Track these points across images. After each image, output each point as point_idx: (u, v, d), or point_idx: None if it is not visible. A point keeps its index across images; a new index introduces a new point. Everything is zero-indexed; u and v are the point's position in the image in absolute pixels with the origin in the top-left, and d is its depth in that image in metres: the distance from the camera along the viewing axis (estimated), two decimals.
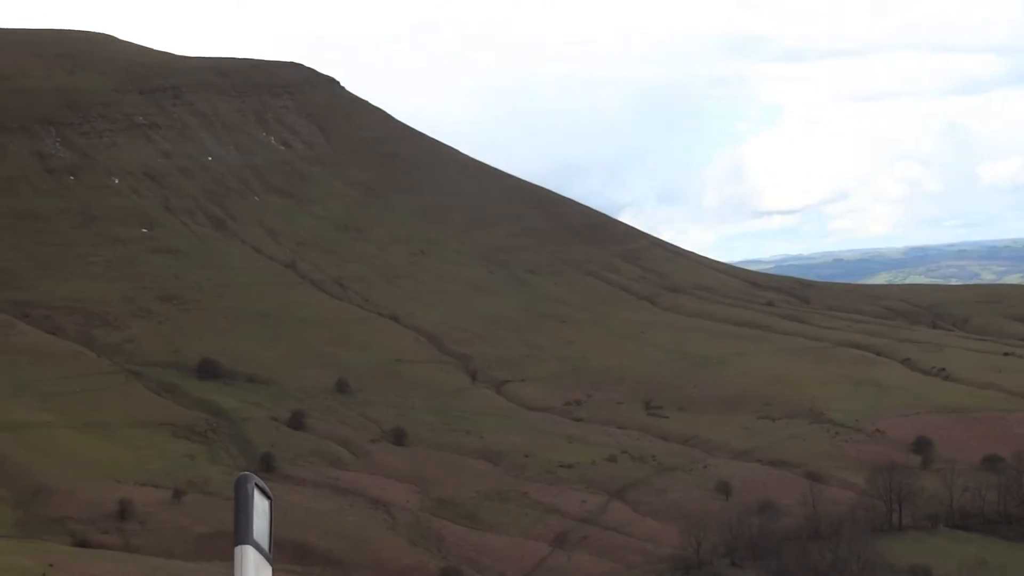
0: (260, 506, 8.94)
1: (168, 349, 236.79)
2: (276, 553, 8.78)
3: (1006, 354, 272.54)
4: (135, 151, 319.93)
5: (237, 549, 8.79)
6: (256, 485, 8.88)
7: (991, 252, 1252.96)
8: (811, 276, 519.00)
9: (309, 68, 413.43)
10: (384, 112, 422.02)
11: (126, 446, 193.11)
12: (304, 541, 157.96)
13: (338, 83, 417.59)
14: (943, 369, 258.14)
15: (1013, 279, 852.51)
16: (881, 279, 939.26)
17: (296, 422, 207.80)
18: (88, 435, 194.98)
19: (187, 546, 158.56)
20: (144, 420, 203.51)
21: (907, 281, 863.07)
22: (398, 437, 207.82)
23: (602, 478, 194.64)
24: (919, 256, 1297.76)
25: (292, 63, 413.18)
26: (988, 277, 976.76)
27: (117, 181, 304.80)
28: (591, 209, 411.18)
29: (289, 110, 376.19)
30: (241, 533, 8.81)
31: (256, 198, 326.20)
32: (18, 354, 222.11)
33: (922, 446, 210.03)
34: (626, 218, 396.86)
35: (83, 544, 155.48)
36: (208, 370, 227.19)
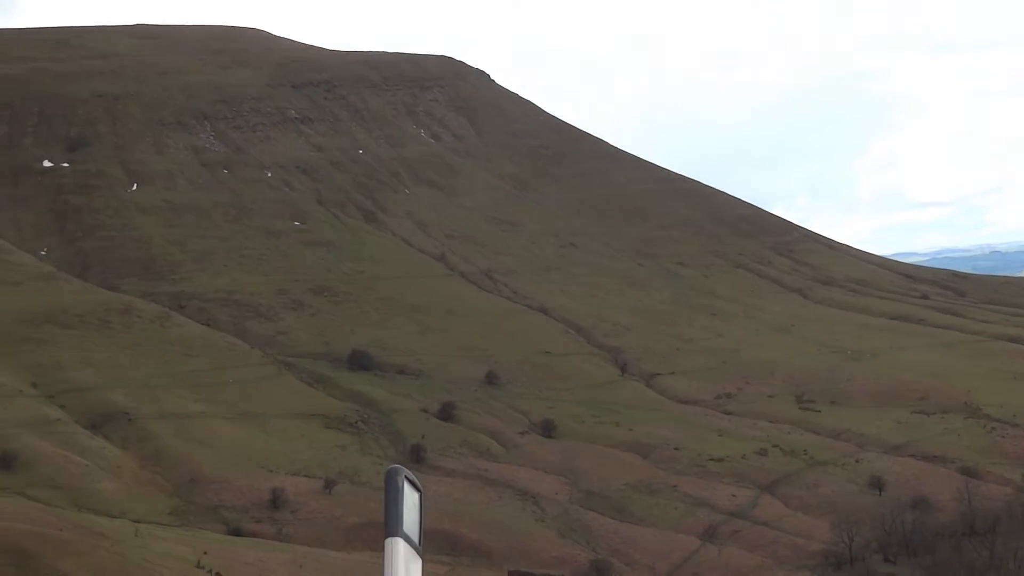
0: (410, 499, 9.05)
1: (319, 341, 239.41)
2: (425, 544, 8.44)
3: None
4: (288, 145, 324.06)
5: (388, 541, 8.97)
6: (406, 478, 9.03)
7: None
8: (967, 268, 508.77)
9: (459, 61, 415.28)
10: (534, 105, 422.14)
11: (278, 436, 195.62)
12: (454, 532, 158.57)
13: (488, 76, 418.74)
14: None
15: None
16: None
17: (446, 413, 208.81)
18: (241, 425, 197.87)
19: (338, 536, 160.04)
20: (296, 411, 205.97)
21: None
22: (547, 429, 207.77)
23: (752, 472, 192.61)
24: None
25: (442, 56, 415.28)
26: None
27: (270, 174, 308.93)
28: (742, 201, 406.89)
29: (439, 103, 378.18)
30: (392, 525, 8.93)
31: (406, 191, 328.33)
32: (175, 345, 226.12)
33: None
34: (778, 212, 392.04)
35: (236, 532, 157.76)
36: (359, 361, 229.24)
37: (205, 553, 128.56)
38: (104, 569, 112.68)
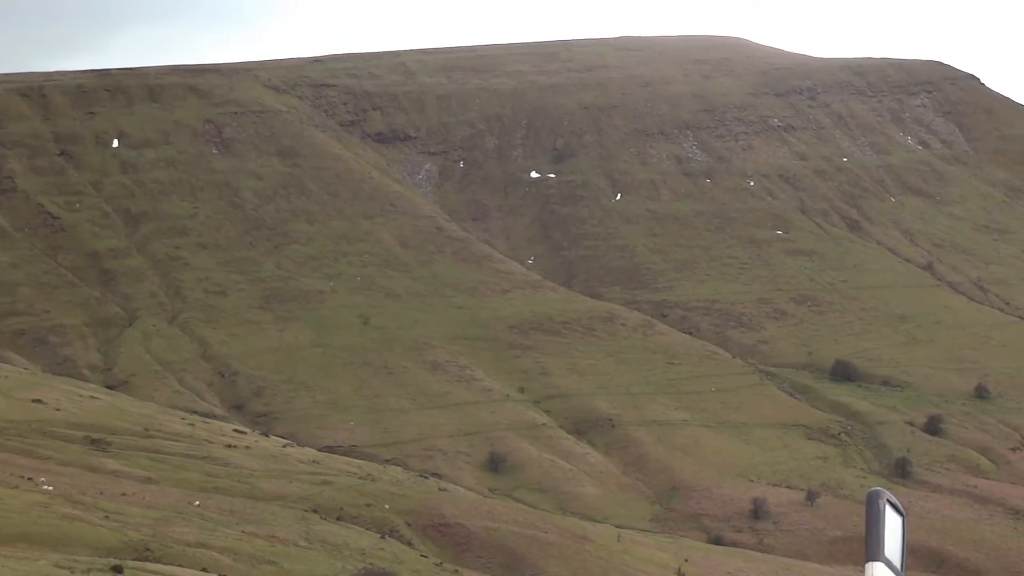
0: (892, 523, 8.71)
1: (802, 351, 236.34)
2: (910, 558, 7.08)
3: None
4: (770, 153, 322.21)
5: (868, 565, 8.62)
6: (888, 501, 8.75)
7: None
8: None
9: (948, 65, 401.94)
10: None
11: (759, 446, 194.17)
12: (940, 549, 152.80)
13: (978, 80, 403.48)
14: None
15: None
16: None
17: (933, 427, 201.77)
18: (722, 434, 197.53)
19: (819, 548, 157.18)
20: (777, 421, 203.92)
21: None
22: None
23: None
24: None
25: (930, 61, 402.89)
26: None
27: (752, 184, 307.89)
28: None
29: (927, 109, 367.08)
30: (872, 549, 8.43)
31: (892, 199, 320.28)
32: (657, 353, 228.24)
33: None
34: None
35: (717, 541, 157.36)
36: (842, 372, 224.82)
37: (686, 560, 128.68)
38: (588, 573, 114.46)
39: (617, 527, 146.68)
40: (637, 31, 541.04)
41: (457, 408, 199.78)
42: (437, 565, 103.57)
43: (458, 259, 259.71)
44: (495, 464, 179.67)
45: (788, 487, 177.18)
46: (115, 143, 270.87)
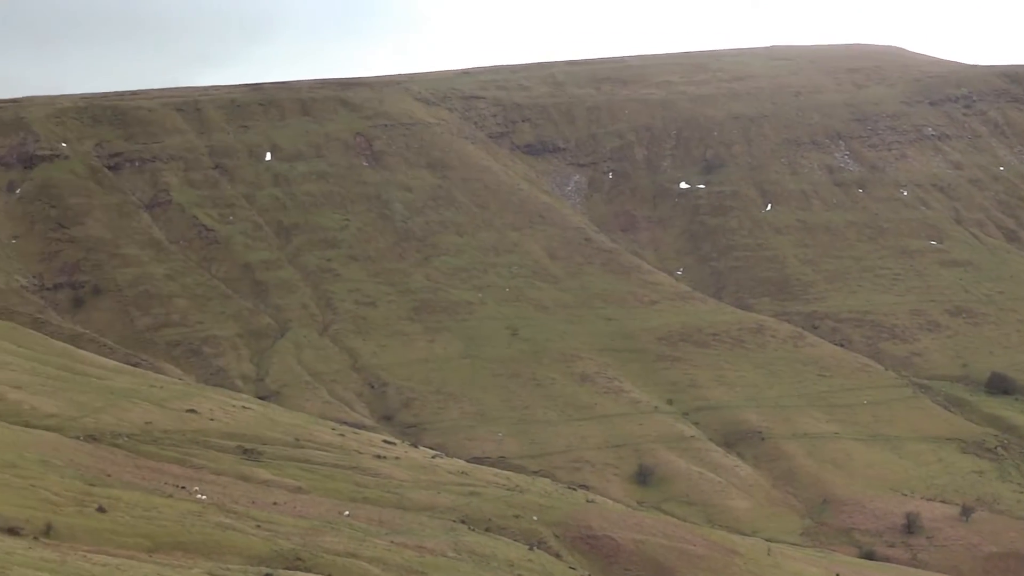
0: None
1: (956, 363, 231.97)
2: None
3: None
4: (924, 163, 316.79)
5: None
6: None
7: None
8: None
9: None
10: None
11: (912, 460, 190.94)
12: None
13: None
14: None
15: None
16: None
17: None
18: (874, 447, 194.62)
19: (975, 564, 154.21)
20: (931, 434, 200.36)
21: None
22: None
23: None
24: None
25: None
26: None
27: (905, 193, 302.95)
28: None
29: None
30: None
31: None
32: (807, 365, 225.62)
33: None
34: None
35: (869, 556, 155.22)
36: (998, 385, 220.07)
37: (837, 575, 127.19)
38: None
39: (767, 541, 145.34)
40: (787, 40, 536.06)
41: (605, 420, 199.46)
42: None
43: (607, 270, 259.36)
44: (643, 476, 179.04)
45: (942, 502, 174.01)
46: (268, 156, 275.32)
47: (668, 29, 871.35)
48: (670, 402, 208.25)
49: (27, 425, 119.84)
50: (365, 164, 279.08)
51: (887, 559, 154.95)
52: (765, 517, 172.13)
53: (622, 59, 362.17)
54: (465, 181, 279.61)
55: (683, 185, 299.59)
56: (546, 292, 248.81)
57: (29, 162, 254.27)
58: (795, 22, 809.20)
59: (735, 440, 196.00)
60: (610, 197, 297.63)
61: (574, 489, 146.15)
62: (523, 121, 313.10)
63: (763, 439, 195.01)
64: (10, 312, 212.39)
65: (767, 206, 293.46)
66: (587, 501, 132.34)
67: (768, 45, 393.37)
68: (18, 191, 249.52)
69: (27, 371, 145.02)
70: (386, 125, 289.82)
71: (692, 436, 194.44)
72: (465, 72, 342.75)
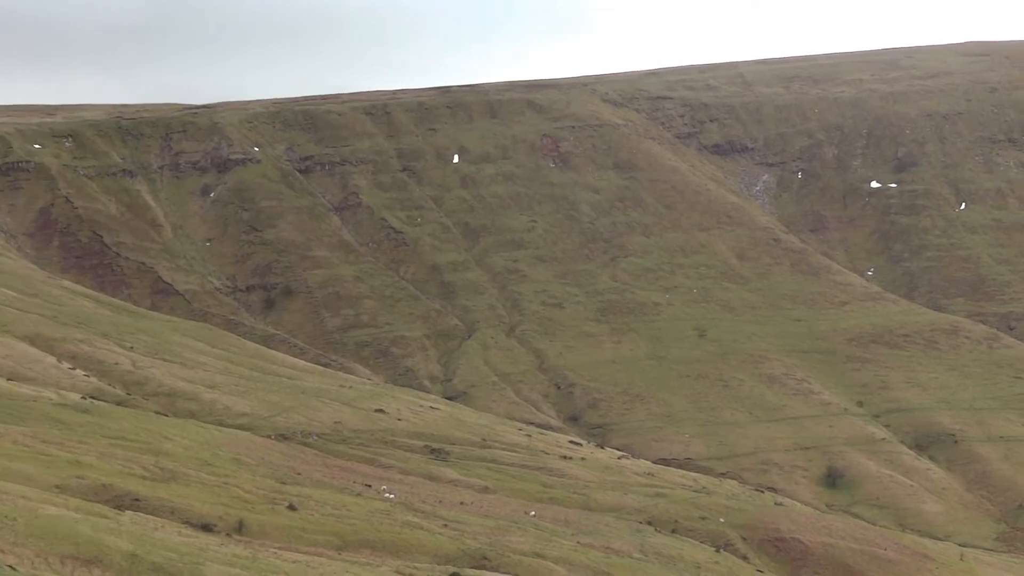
0: None
1: None
2: None
3: None
4: None
5: None
6: None
7: None
8: None
9: None
10: None
11: None
12: None
13: None
14: None
15: None
16: None
17: None
18: None
19: None
20: None
21: None
22: None
23: None
24: None
25: None
26: None
27: None
28: None
29: None
30: None
31: None
32: (1003, 367, 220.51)
33: None
34: None
35: None
36: None
37: None
38: None
39: (960, 545, 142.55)
40: (982, 35, 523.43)
41: (794, 422, 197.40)
42: None
43: (796, 271, 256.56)
44: (833, 479, 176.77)
45: None
46: (455, 158, 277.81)
47: (858, 26, 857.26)
48: (860, 404, 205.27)
49: (221, 424, 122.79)
50: (552, 165, 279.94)
51: None
52: (958, 521, 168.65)
53: (812, 57, 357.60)
54: (652, 182, 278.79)
55: (874, 184, 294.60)
56: (734, 293, 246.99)
57: (223, 166, 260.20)
58: (990, 17, 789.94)
59: (927, 443, 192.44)
60: (799, 197, 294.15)
61: (762, 491, 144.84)
62: (711, 121, 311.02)
63: (956, 442, 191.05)
64: (204, 313, 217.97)
65: (961, 205, 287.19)
66: (775, 504, 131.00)
67: (963, 41, 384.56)
68: (212, 195, 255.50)
69: (221, 371, 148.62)
70: (573, 126, 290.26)
71: (883, 438, 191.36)
72: (652, 72, 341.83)
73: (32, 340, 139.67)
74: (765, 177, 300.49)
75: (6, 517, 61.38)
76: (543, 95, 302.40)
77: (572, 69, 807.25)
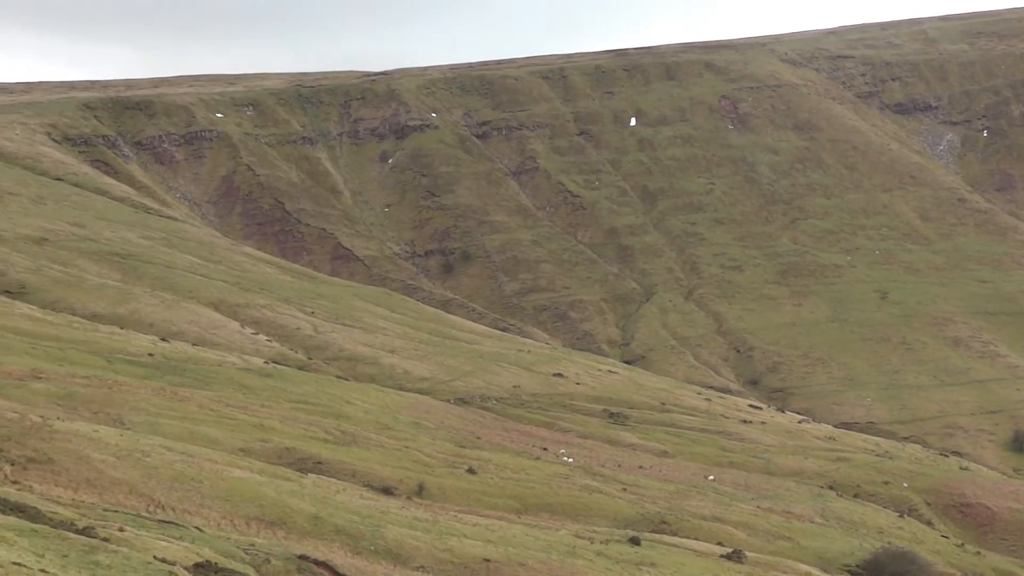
0: None
1: None
2: None
3: None
4: None
5: None
6: None
7: None
8: None
9: None
10: None
11: None
12: None
13: None
14: None
15: None
16: None
17: None
18: None
19: None
20: None
21: None
22: None
23: None
24: None
25: None
26: None
27: None
28: None
29: None
30: None
31: None
32: None
33: None
34: None
35: None
36: None
37: None
38: None
39: None
40: None
41: (979, 385, 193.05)
42: (958, 546, 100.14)
43: (981, 231, 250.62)
44: (1020, 443, 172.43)
45: None
46: (632, 121, 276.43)
47: None
48: None
49: (401, 388, 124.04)
50: (730, 127, 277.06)
51: None
52: None
53: (997, 12, 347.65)
54: (832, 142, 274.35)
55: None
56: (917, 254, 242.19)
57: (401, 133, 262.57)
58: None
59: None
60: (985, 156, 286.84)
61: (946, 456, 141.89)
62: (892, 80, 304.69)
63: None
64: (383, 278, 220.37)
65: None
66: (960, 468, 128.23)
67: None
68: (391, 161, 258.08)
69: (400, 336, 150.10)
70: (751, 87, 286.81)
71: None
72: (831, 31, 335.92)
73: (216, 306, 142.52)
74: (949, 136, 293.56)
75: (193, 480, 62.70)
76: (720, 56, 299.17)
77: (750, 29, 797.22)
